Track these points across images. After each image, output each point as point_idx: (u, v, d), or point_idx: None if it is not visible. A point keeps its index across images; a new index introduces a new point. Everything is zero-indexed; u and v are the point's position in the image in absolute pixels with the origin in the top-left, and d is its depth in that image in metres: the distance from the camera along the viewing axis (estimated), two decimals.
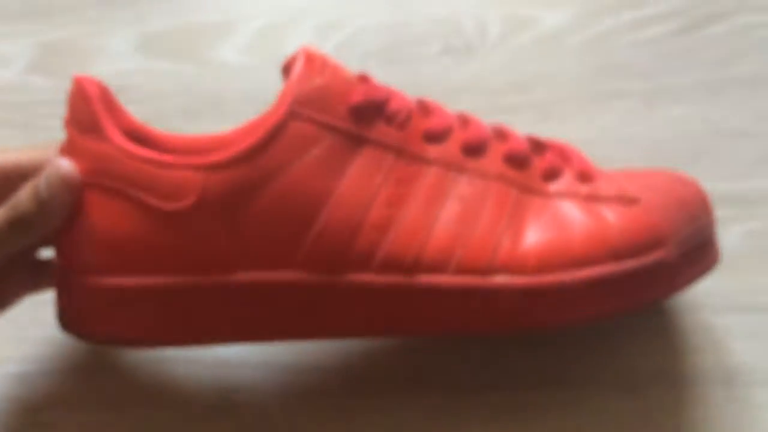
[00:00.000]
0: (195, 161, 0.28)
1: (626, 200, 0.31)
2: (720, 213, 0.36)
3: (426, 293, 0.29)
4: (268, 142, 0.28)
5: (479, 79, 0.41)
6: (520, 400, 0.34)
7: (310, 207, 0.28)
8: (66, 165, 0.29)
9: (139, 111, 0.42)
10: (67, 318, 0.31)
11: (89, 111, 0.29)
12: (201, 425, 0.35)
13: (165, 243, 0.28)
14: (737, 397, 0.34)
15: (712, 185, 0.37)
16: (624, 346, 0.35)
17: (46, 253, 0.34)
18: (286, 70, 0.31)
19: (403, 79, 0.41)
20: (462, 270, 0.29)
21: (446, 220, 0.29)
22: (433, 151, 0.30)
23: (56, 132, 0.42)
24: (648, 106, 0.40)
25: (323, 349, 0.36)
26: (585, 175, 0.32)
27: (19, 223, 0.29)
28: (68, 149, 0.30)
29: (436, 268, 0.29)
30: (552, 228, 0.30)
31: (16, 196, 0.29)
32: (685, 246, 0.30)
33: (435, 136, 0.30)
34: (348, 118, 0.29)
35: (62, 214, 0.29)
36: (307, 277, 0.29)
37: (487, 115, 0.38)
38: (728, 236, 0.37)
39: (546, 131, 0.37)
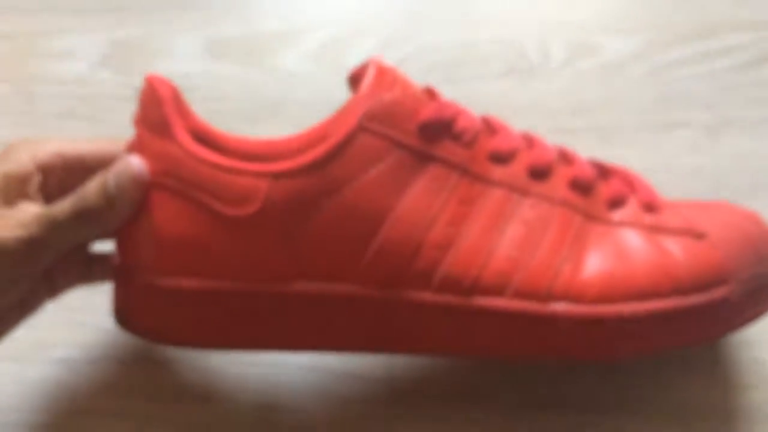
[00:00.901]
0: (261, 168, 0.28)
1: (693, 234, 0.30)
2: None
3: (482, 316, 0.28)
4: (335, 155, 0.28)
5: (541, 101, 0.41)
6: (568, 424, 0.34)
7: (372, 222, 0.28)
8: (136, 162, 0.30)
9: (201, 112, 0.43)
10: (122, 313, 0.31)
11: (160, 112, 0.29)
12: (241, 424, 0.35)
13: (226, 248, 0.28)
14: None
15: None
16: (677, 379, 0.34)
17: (101, 246, 0.34)
18: (354, 80, 0.31)
19: (464, 98, 0.41)
20: (520, 295, 0.28)
21: (507, 243, 0.29)
22: (498, 172, 0.30)
23: (120, 126, 0.43)
24: (711, 138, 0.39)
25: (368, 358, 0.35)
26: (650, 205, 0.31)
27: (86, 216, 0.29)
28: (137, 147, 0.30)
29: (494, 291, 0.28)
30: (614, 257, 0.29)
31: (84, 188, 0.30)
32: (749, 285, 0.30)
33: (501, 157, 0.30)
34: (416, 134, 0.29)
35: (128, 210, 0.30)
36: (364, 292, 0.28)
37: (547, 137, 0.37)
38: None
39: (606, 156, 0.37)
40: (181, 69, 0.45)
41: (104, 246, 0.34)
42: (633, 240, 0.30)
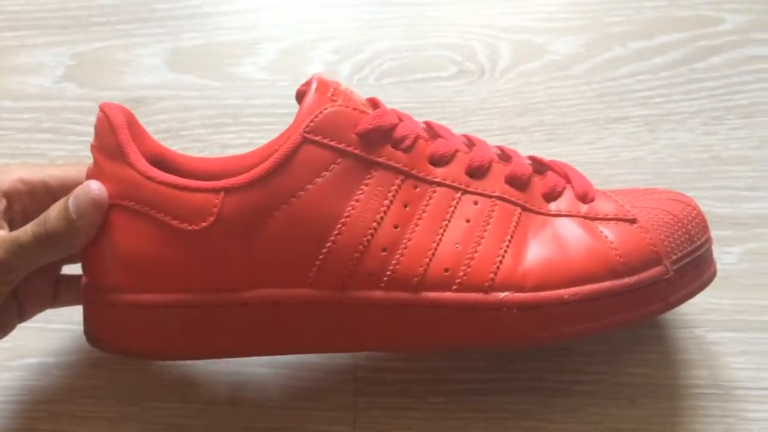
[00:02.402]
0: (213, 185, 0.30)
1: (625, 220, 0.32)
2: (720, 234, 0.38)
3: (431, 309, 0.30)
4: (282, 167, 0.29)
5: (491, 102, 0.43)
6: (522, 406, 0.35)
7: (321, 228, 0.30)
8: (96, 186, 0.31)
9: (165, 121, 0.45)
10: (93, 332, 0.33)
11: (114, 139, 0.31)
12: (211, 418, 0.36)
13: (185, 262, 0.30)
14: (732, 411, 0.35)
15: (712, 208, 0.39)
16: (624, 359, 0.36)
17: (70, 269, 0.36)
18: (300, 96, 0.33)
19: (418, 100, 0.44)
20: (465, 287, 0.30)
21: (451, 239, 0.30)
22: (439, 173, 0.31)
23: (85, 138, 0.44)
24: (651, 131, 0.41)
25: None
26: (585, 196, 0.33)
27: (48, 239, 0.31)
28: (96, 172, 0.32)
29: (441, 286, 0.30)
30: (552, 246, 0.31)
31: (46, 214, 0.31)
32: (681, 264, 0.32)
33: (441, 160, 0.32)
34: (357, 143, 0.30)
35: (89, 233, 0.31)
36: (317, 294, 0.30)
37: (497, 136, 0.40)
38: (727, 257, 0.38)
39: (553, 152, 0.39)
40: (143, 81, 0.46)
41: (72, 269, 0.35)
42: (569, 228, 0.32)
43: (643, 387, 0.35)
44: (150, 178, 0.30)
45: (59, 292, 0.36)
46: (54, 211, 0.31)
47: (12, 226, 0.33)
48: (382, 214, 0.30)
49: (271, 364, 0.37)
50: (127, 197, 0.30)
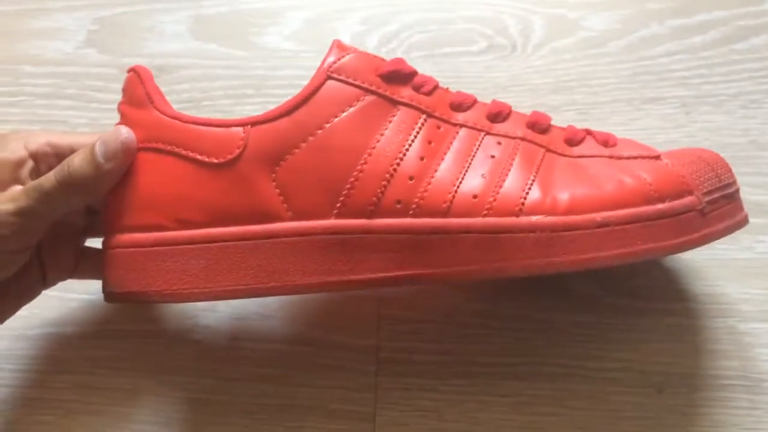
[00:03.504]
0: (239, 120, 0.31)
1: (651, 157, 0.32)
2: (754, 222, 0.37)
3: (462, 234, 0.29)
4: (307, 101, 0.30)
5: (522, 78, 0.42)
6: (544, 392, 0.35)
7: (347, 159, 0.30)
8: (125, 130, 0.31)
9: (187, 90, 0.44)
10: (114, 280, 0.31)
11: (143, 89, 0.32)
12: (228, 393, 0.36)
13: (210, 195, 0.31)
14: (760, 403, 0.34)
15: (747, 195, 0.37)
16: (652, 346, 0.35)
17: (93, 242, 0.36)
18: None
19: (447, 75, 0.42)
20: (494, 213, 0.30)
21: (477, 172, 0.30)
22: (460, 116, 0.32)
23: (106, 104, 0.43)
24: (687, 113, 0.40)
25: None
26: (607, 142, 0.33)
27: (72, 184, 0.30)
28: (122, 124, 0.32)
29: (470, 212, 0.30)
30: (582, 181, 0.30)
31: (69, 160, 0.31)
32: (712, 197, 0.31)
33: (461, 105, 0.32)
34: (379, 83, 0.31)
35: (115, 177, 0.31)
36: (345, 224, 0.30)
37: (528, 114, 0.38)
38: (760, 245, 0.37)
39: None
40: (166, 48, 0.45)
41: (95, 243, 0.35)
42: (596, 166, 0.31)
43: (671, 376, 0.35)
44: (177, 119, 0.31)
45: (82, 263, 0.36)
46: (78, 157, 0.31)
47: None
48: (407, 147, 0.31)
49: (293, 341, 0.37)
50: (155, 139, 0.31)
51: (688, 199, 0.30)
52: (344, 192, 0.30)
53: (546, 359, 0.35)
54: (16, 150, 0.32)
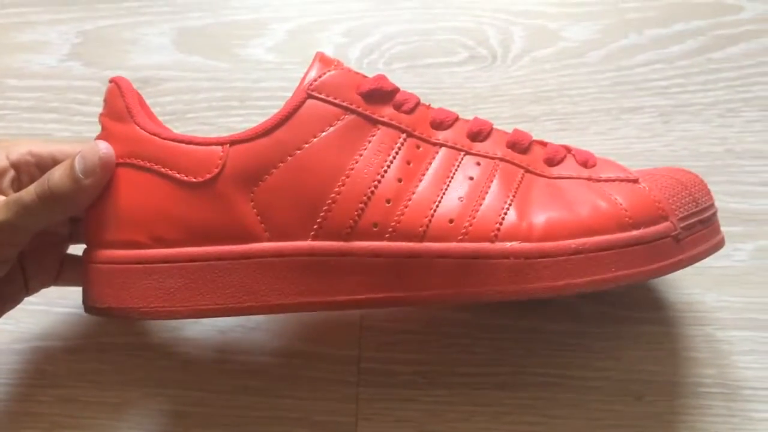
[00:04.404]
0: (218, 139, 0.31)
1: (629, 180, 0.32)
2: (731, 230, 0.37)
3: (436, 258, 0.30)
4: (286, 120, 0.30)
5: (502, 89, 0.43)
6: (526, 401, 0.35)
7: (325, 180, 0.30)
8: (103, 146, 0.31)
9: (171, 103, 0.44)
10: (92, 294, 0.32)
11: (123, 102, 0.32)
12: (212, 406, 0.36)
13: (188, 214, 0.30)
14: (738, 410, 0.35)
15: (725, 203, 0.38)
16: (632, 354, 0.36)
17: (75, 249, 0.36)
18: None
19: (428, 86, 0.43)
20: (470, 238, 0.30)
21: (455, 194, 0.30)
22: (440, 135, 0.32)
23: (90, 117, 0.44)
24: (665, 122, 0.41)
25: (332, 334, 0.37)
26: (586, 162, 0.33)
27: (52, 199, 0.30)
28: (103, 137, 0.32)
29: (445, 236, 0.30)
30: (558, 204, 0.31)
31: (49, 174, 0.31)
32: (688, 222, 0.31)
33: (441, 124, 0.32)
34: (360, 102, 0.31)
35: (95, 192, 0.31)
36: (321, 246, 0.30)
37: (508, 124, 0.39)
38: (738, 253, 0.38)
39: (565, 142, 0.38)
40: (150, 61, 0.45)
41: (77, 249, 0.35)
42: (574, 189, 0.32)
43: (650, 384, 0.35)
44: (156, 135, 0.31)
45: (64, 271, 0.36)
46: (58, 171, 0.31)
47: None
48: (385, 168, 0.31)
49: (277, 353, 0.37)
50: (134, 155, 0.31)
51: (662, 226, 0.30)
52: (321, 214, 0.30)
53: (526, 369, 0.36)
54: None
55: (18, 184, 0.33)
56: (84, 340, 0.38)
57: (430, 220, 0.30)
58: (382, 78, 0.32)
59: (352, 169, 0.30)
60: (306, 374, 0.37)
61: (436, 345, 0.37)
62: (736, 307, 0.37)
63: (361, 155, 0.31)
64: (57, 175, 0.31)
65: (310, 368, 0.37)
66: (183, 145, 0.31)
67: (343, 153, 0.30)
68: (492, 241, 0.30)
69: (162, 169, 0.31)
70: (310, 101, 0.31)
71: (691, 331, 0.36)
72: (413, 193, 0.30)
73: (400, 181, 0.31)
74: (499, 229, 0.30)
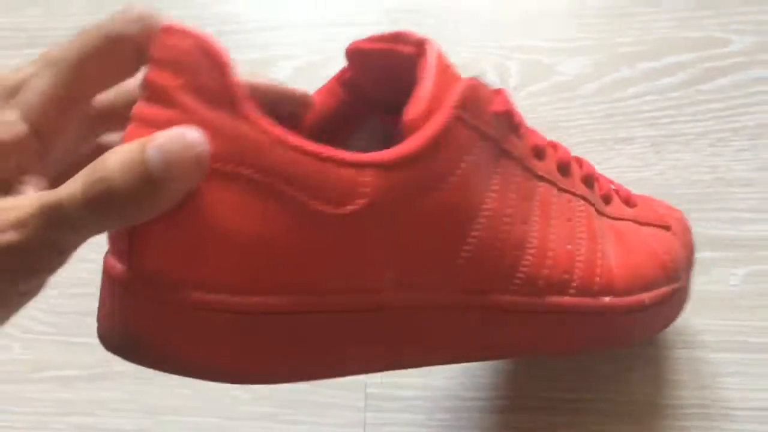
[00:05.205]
0: (362, 157, 0.22)
1: (663, 226, 0.33)
2: (723, 255, 0.39)
3: (553, 315, 0.28)
4: (436, 145, 0.23)
5: None
6: (527, 424, 0.36)
7: (465, 219, 0.25)
8: (197, 138, 0.20)
9: None
10: (130, 333, 0.22)
11: (221, 78, 0.21)
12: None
13: (313, 254, 0.22)
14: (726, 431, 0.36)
15: (716, 229, 0.39)
16: (623, 377, 0.37)
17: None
18: (356, 54, 0.28)
19: None
20: (580, 291, 0.28)
21: (559, 239, 0.28)
22: (539, 167, 0.28)
23: None
24: (657, 152, 0.42)
25: None
26: (628, 200, 0.34)
27: (111, 206, 0.19)
28: (180, 118, 0.21)
29: (561, 289, 0.27)
30: (623, 249, 0.31)
31: (101, 165, 0.19)
32: (689, 273, 0.34)
33: (540, 153, 0.28)
34: (492, 125, 0.25)
35: (172, 201, 0.20)
36: (459, 298, 0.25)
37: None
38: (731, 278, 0.39)
39: None
40: None
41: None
42: (629, 233, 0.32)
43: (642, 404, 0.36)
44: (279, 141, 0.21)
45: (90, 137, 0.26)
46: (119, 163, 0.19)
47: (53, 181, 0.23)
48: (513, 208, 0.26)
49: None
50: (242, 161, 0.21)
51: (684, 277, 0.33)
52: (459, 261, 0.24)
53: (527, 392, 0.37)
54: (8, 124, 0.21)
55: (43, 168, 0.23)
56: (99, 368, 0.40)
57: (549, 271, 0.27)
58: (506, 98, 0.26)
59: (486, 208, 0.25)
60: (313, 400, 0.38)
61: (440, 369, 0.38)
62: (729, 330, 0.38)
63: (492, 191, 0.25)
64: (119, 170, 0.19)
65: (317, 394, 0.38)
66: (318, 161, 0.22)
67: (480, 188, 0.25)
68: (594, 296, 0.28)
69: (287, 189, 0.21)
70: (456, 124, 0.24)
71: (677, 354, 0.37)
72: (532, 238, 0.27)
73: (523, 222, 0.26)
74: (599, 281, 0.28)
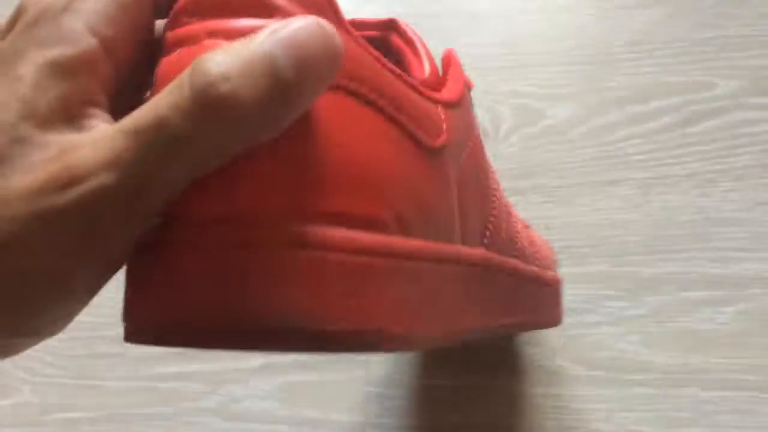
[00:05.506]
0: (433, 94, 0.21)
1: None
2: (712, 294, 0.40)
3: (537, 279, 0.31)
4: (465, 96, 0.23)
5: (494, 165, 0.46)
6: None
7: (484, 176, 0.24)
8: (329, 28, 0.16)
9: None
10: (324, 306, 0.16)
11: None
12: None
13: (428, 191, 0.19)
14: None
15: (705, 268, 0.40)
16: (620, 415, 0.38)
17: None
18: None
19: None
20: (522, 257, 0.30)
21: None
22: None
23: None
24: (645, 194, 0.43)
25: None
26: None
27: (228, 118, 0.14)
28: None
29: (528, 260, 0.31)
30: None
31: (207, 67, 0.15)
32: None
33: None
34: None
35: (300, 112, 0.16)
36: (491, 257, 0.24)
37: None
38: (720, 317, 0.40)
39: (551, 214, 0.41)
40: None
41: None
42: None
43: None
44: (384, 64, 0.18)
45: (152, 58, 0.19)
46: (236, 64, 0.14)
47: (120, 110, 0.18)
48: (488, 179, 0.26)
49: (289, 421, 0.39)
50: (357, 79, 0.17)
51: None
52: (491, 218, 0.24)
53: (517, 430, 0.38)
54: (74, 33, 0.17)
55: (118, 93, 0.18)
56: (107, 410, 0.41)
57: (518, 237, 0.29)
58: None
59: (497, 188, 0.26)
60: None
61: (432, 408, 0.39)
62: (719, 368, 0.38)
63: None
64: (236, 73, 0.14)
65: (316, 425, 0.39)
66: (413, 92, 0.20)
67: (483, 151, 0.25)
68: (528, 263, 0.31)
69: (399, 116, 0.18)
70: (467, 94, 0.24)
71: (678, 392, 0.38)
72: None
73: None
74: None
